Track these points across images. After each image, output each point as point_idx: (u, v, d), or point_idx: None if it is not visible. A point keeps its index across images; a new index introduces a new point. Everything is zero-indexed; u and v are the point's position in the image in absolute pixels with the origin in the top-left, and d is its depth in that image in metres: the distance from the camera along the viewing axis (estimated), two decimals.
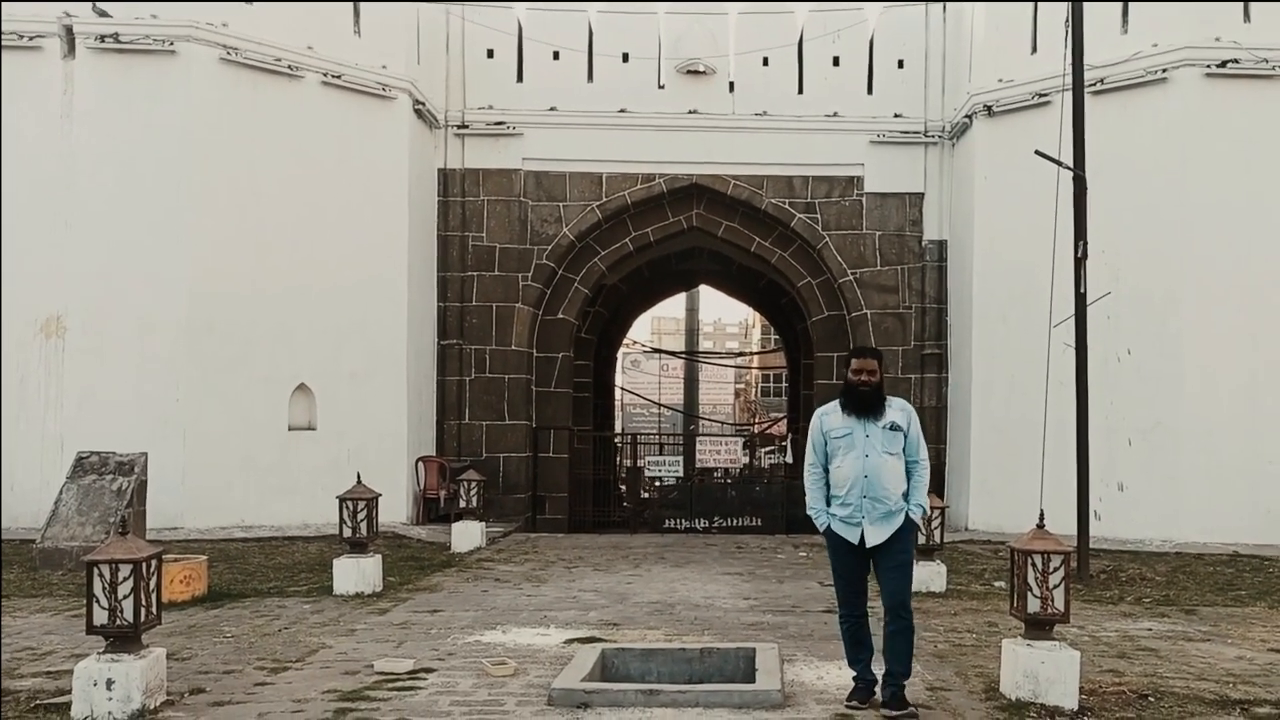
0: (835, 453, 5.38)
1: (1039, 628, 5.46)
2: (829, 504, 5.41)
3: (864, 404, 5.36)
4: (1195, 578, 10.23)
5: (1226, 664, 6.54)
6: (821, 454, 5.45)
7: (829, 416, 5.47)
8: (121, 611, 5.04)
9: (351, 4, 14.24)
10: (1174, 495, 12.55)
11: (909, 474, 5.38)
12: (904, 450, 5.36)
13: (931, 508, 8.65)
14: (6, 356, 12.33)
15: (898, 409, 5.43)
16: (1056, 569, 5.37)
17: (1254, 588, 9.71)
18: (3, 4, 12.22)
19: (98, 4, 12.44)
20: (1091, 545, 10.38)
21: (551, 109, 16.21)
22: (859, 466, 5.29)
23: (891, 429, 5.32)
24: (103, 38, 12.49)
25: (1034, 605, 5.38)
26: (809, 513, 5.51)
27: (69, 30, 12.55)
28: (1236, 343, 12.58)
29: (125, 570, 5.03)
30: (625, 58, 16.32)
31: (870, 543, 5.29)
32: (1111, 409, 12.57)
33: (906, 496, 5.35)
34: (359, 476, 9.40)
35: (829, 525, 5.38)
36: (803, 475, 5.61)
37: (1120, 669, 6.32)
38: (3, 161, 12.27)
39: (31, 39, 12.47)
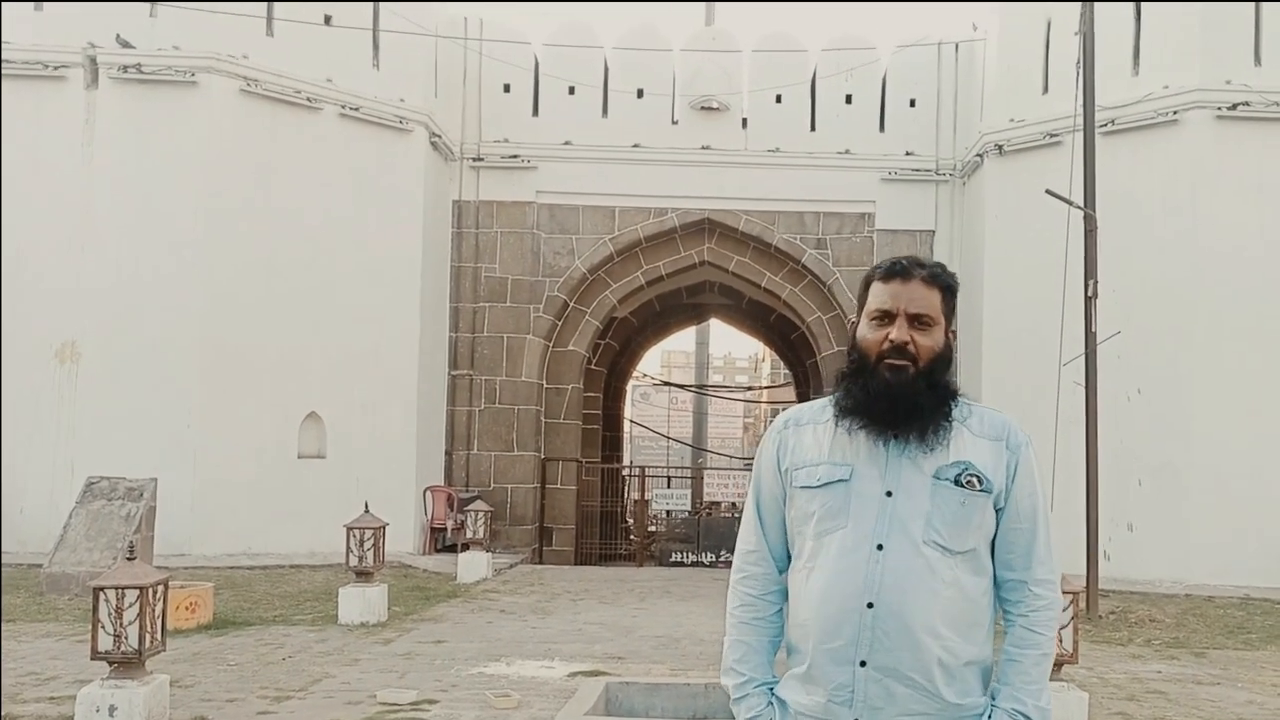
0: (804, 526, 2.09)
1: None
2: (787, 661, 2.14)
3: (890, 402, 2.05)
4: (1206, 620, 10.14)
5: (1237, 708, 6.47)
6: (776, 525, 2.17)
7: (798, 432, 2.17)
8: (126, 638, 5.05)
9: (371, 37, 14.45)
10: (1184, 536, 12.46)
11: (1007, 614, 2.10)
12: (992, 546, 2.08)
13: None
14: (22, 381, 12.42)
15: (985, 435, 2.10)
16: (1065, 609, 5.35)
17: (1265, 631, 9.61)
18: (27, 34, 12.46)
19: (121, 35, 12.66)
20: (1101, 586, 10.32)
21: (566, 143, 16.34)
22: (856, 573, 2.00)
23: (962, 483, 2.03)
24: (126, 68, 12.69)
25: None
26: (721, 680, 2.19)
27: (93, 61, 12.75)
28: (1247, 383, 12.53)
29: (131, 596, 5.05)
30: (640, 93, 16.47)
31: None
32: (1121, 448, 12.51)
33: (993, 679, 2.08)
34: (367, 506, 9.43)
35: None
36: None
37: (1129, 711, 6.26)
38: (23, 188, 12.45)
39: (56, 69, 12.67)
